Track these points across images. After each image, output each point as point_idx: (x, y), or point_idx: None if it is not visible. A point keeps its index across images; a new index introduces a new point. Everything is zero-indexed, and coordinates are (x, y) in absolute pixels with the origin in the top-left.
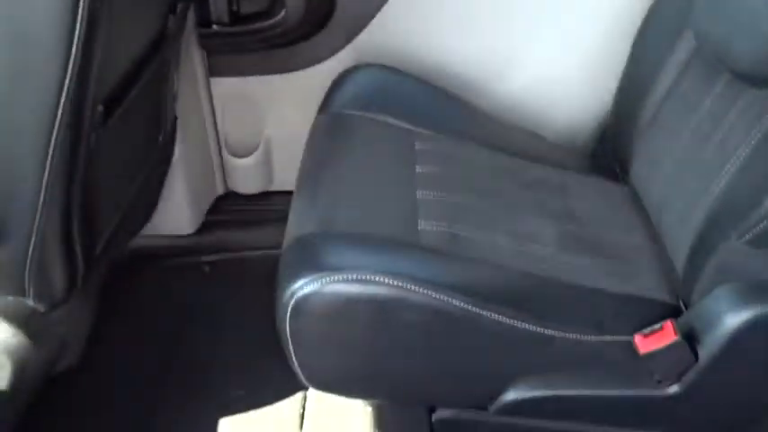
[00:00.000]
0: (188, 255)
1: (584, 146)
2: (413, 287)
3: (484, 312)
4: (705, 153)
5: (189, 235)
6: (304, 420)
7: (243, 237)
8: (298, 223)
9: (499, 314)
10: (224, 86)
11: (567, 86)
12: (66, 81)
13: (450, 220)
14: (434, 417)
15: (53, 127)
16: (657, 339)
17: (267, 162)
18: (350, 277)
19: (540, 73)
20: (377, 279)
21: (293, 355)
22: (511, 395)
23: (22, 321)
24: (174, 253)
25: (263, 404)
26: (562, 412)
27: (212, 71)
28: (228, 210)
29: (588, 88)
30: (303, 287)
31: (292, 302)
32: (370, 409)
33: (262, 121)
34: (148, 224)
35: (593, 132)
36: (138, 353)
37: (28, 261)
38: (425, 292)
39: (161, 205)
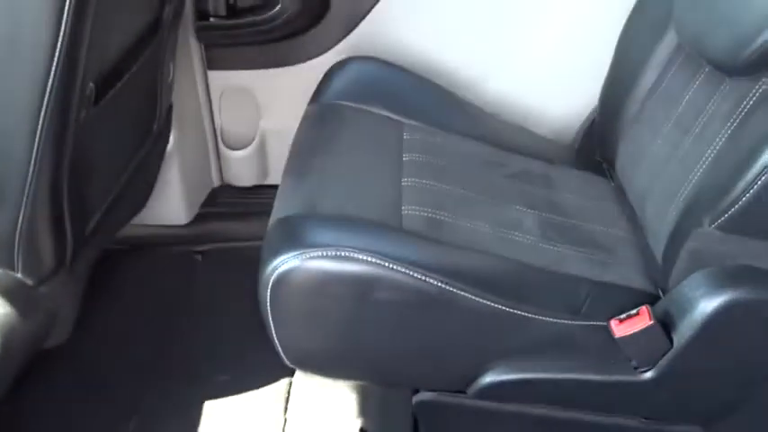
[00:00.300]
0: (181, 244)
1: (571, 141)
2: (390, 265)
3: (460, 292)
4: (685, 145)
5: (183, 225)
6: (288, 406)
7: (236, 228)
8: (283, 206)
9: (475, 295)
10: (221, 79)
11: (555, 83)
12: (56, 57)
13: (434, 206)
14: (415, 399)
15: (42, 101)
16: (632, 324)
17: (262, 155)
18: (329, 253)
19: (528, 71)
20: (355, 256)
21: (274, 331)
22: (488, 378)
23: (10, 293)
24: (168, 242)
25: (249, 390)
26: (540, 397)
27: (209, 64)
28: (223, 202)
29: (576, 85)
30: (283, 263)
31: (273, 278)
32: (354, 395)
33: (258, 114)
34: (143, 214)
35: (580, 128)
36: (127, 337)
37: (17, 233)
38: (402, 270)
39: (156, 195)
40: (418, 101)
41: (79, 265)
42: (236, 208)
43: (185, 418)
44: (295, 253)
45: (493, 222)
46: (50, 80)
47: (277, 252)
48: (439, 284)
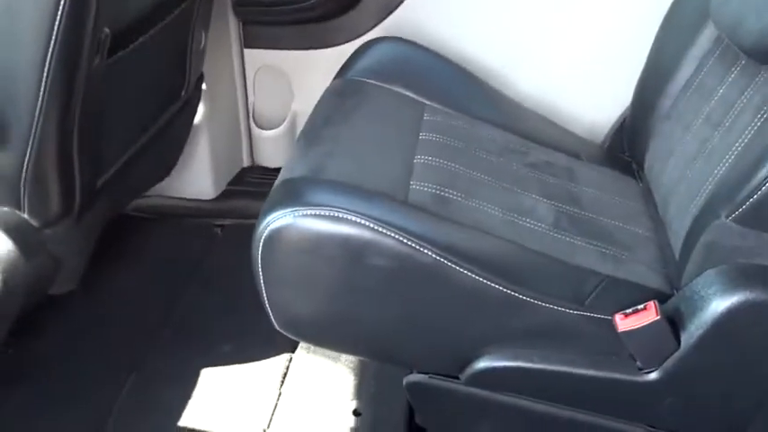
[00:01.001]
0: (204, 217)
1: (599, 138)
2: (384, 230)
3: (456, 267)
4: (714, 140)
5: (209, 200)
6: (285, 380)
7: (260, 207)
8: (289, 169)
9: (472, 272)
10: (256, 57)
11: (586, 78)
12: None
13: (443, 184)
14: (406, 380)
15: (49, 40)
16: (638, 318)
17: (292, 136)
18: (322, 213)
19: (560, 63)
20: (348, 217)
21: (264, 291)
22: (482, 363)
23: (14, 232)
24: (192, 214)
25: (249, 362)
26: (535, 389)
27: (246, 42)
28: (251, 181)
29: (607, 81)
30: (276, 219)
31: (265, 234)
32: (350, 376)
33: (290, 94)
34: (171, 185)
35: (609, 125)
36: (138, 298)
37: (23, 173)
38: (396, 236)
39: (184, 168)
40: (443, 83)
41: (89, 216)
42: (263, 188)
43: (183, 381)
44: (289, 210)
45: (503, 206)
46: (57, 18)
47: (271, 210)
48: (434, 256)
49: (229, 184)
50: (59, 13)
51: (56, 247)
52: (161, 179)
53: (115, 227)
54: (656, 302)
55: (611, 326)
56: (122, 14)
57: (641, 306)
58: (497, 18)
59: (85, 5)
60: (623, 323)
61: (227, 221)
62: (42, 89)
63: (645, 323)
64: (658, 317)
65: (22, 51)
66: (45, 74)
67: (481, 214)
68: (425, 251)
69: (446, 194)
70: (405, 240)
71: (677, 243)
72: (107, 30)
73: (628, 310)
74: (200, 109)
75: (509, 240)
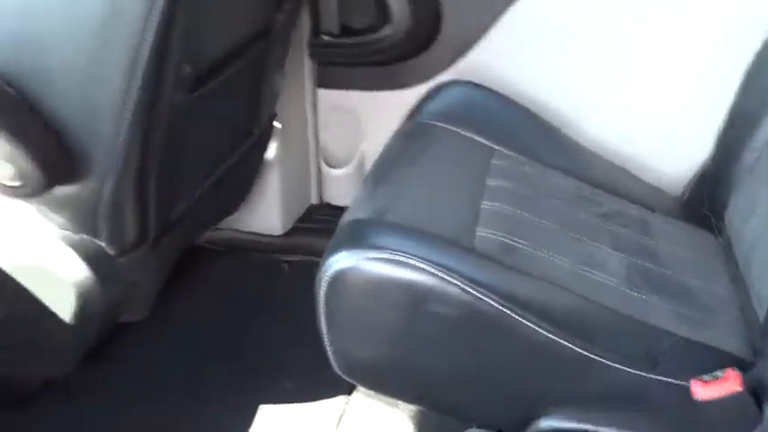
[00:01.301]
0: (272, 252)
1: (675, 189)
2: (449, 278)
3: (522, 320)
4: None
5: (277, 236)
6: (341, 422)
7: (326, 244)
8: (354, 209)
9: (539, 326)
10: (327, 97)
11: (664, 127)
12: (151, 31)
13: (511, 232)
14: None
15: (134, 74)
16: (717, 387)
17: (360, 175)
18: (386, 256)
19: (637, 111)
20: (413, 263)
21: (325, 333)
22: (546, 422)
23: (91, 260)
24: (259, 248)
25: (307, 401)
26: None
27: (319, 82)
28: (319, 218)
29: (687, 130)
30: (340, 261)
31: (328, 275)
32: (408, 424)
33: (359, 134)
34: (240, 220)
35: (686, 176)
36: (203, 329)
37: (103, 202)
38: (462, 285)
39: (254, 204)
40: (513, 128)
41: (162, 247)
42: (330, 225)
43: (243, 414)
44: (353, 252)
45: (573, 258)
46: (142, 55)
47: (336, 250)
48: (499, 307)
49: (297, 220)
50: (144, 49)
51: (130, 276)
52: (231, 213)
53: (184, 257)
54: (738, 371)
55: (687, 393)
56: (203, 54)
57: (720, 373)
58: (572, 63)
59: (169, 44)
60: (701, 391)
61: (294, 257)
62: (125, 123)
63: (725, 393)
64: (741, 389)
65: (107, 86)
66: (128, 109)
67: (549, 265)
68: (490, 301)
69: (513, 243)
70: (469, 289)
71: (761, 305)
72: (189, 68)
73: (706, 377)
74: (272, 145)
75: (578, 294)
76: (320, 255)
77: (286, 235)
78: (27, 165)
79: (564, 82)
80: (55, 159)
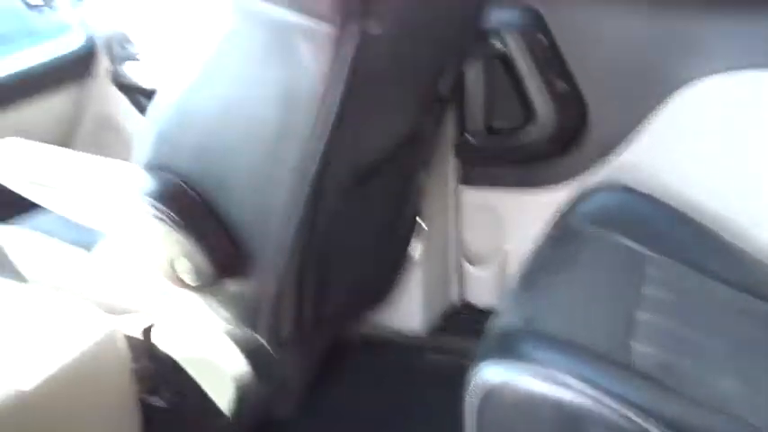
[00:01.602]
0: (412, 351)
1: None
2: (608, 401)
3: None
4: None
5: (418, 334)
6: None
7: (470, 347)
8: (502, 317)
9: None
10: (470, 195)
11: None
12: (321, 147)
13: (670, 349)
14: None
15: (308, 182)
16: None
17: (503, 275)
18: (544, 374)
19: None
20: (569, 382)
21: None
22: None
23: (251, 354)
24: (401, 347)
25: None
26: None
27: (463, 180)
28: (460, 319)
29: None
30: (492, 374)
31: (480, 389)
32: None
33: (502, 233)
34: (382, 316)
35: None
36: (345, 422)
37: (264, 299)
38: (622, 410)
39: (396, 302)
40: (670, 235)
41: (314, 343)
42: (474, 326)
43: None
44: (504, 365)
45: (743, 381)
46: (316, 164)
47: (487, 361)
48: None
49: (439, 319)
50: (311, 164)
51: (283, 371)
52: (373, 308)
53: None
54: None
55: None
56: (361, 162)
57: None
58: (731, 165)
59: (330, 160)
60: None
61: (434, 356)
62: (292, 227)
63: None
64: None
65: (281, 193)
66: (296, 214)
67: (714, 389)
68: (651, 427)
69: (673, 361)
70: (628, 413)
71: None
72: (348, 178)
73: None
74: (415, 243)
75: (748, 423)
76: (461, 355)
77: (427, 333)
78: (202, 261)
79: (722, 185)
80: (227, 257)
